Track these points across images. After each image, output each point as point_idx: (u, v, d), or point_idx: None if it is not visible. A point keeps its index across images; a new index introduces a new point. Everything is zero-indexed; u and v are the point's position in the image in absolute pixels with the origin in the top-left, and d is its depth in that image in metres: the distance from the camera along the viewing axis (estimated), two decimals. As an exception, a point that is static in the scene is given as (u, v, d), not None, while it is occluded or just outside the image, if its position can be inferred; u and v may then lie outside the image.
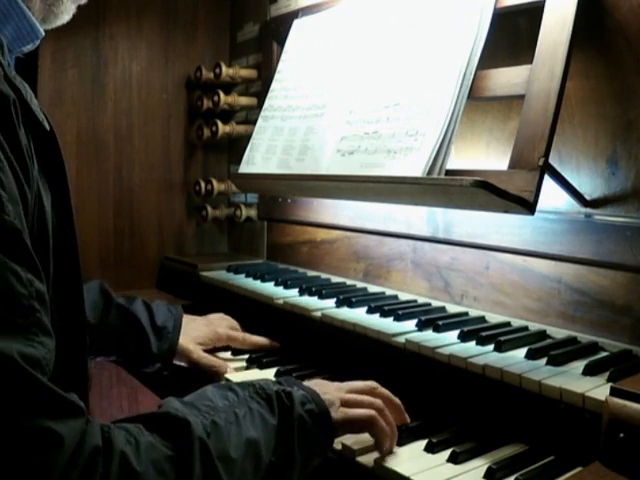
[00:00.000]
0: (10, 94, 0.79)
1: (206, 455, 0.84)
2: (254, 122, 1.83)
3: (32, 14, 0.92)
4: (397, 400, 1.12)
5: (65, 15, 1.00)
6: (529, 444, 1.05)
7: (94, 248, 2.09)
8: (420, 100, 1.32)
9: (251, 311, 1.65)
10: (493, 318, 1.39)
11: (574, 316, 1.27)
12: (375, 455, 1.04)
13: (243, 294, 1.75)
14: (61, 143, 0.93)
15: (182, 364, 1.53)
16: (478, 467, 0.99)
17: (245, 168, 1.77)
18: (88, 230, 2.08)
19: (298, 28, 1.81)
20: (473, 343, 1.23)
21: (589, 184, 1.25)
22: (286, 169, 1.62)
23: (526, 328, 1.31)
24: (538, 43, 1.19)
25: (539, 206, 1.11)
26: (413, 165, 1.26)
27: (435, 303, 1.52)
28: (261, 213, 2.16)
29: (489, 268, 1.43)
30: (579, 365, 1.09)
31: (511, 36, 1.38)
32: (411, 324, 1.35)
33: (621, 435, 0.88)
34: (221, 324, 1.60)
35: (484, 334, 1.23)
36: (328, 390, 1.07)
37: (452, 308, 1.48)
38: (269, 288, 1.72)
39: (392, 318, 1.39)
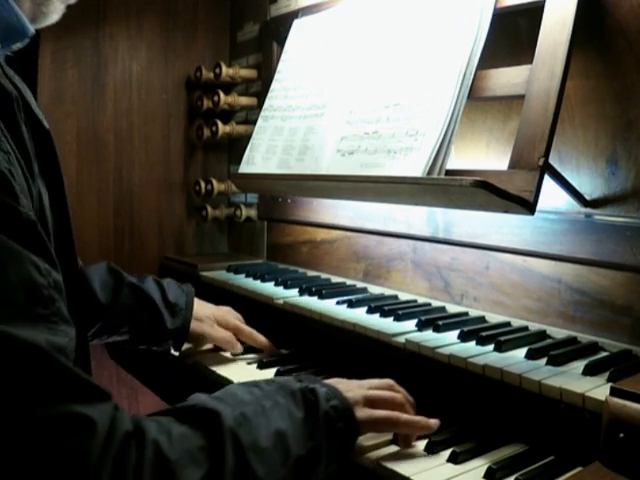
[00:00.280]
0: (12, 90, 0.80)
1: (237, 445, 0.84)
2: (254, 122, 1.83)
3: (22, 13, 0.92)
4: (412, 399, 1.14)
5: (54, 15, 1.00)
6: (529, 444, 1.05)
7: (94, 248, 2.09)
8: (420, 100, 1.32)
9: (251, 311, 1.65)
10: (493, 318, 1.39)
11: (574, 316, 1.27)
12: (375, 455, 1.04)
13: (243, 294, 1.75)
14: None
15: (190, 345, 1.54)
16: (478, 467, 0.99)
17: (245, 168, 1.77)
18: (88, 230, 2.08)
19: (298, 28, 1.81)
20: (473, 343, 1.23)
21: (589, 184, 1.25)
22: (286, 169, 1.62)
23: (526, 328, 1.31)
24: (538, 43, 1.19)
25: (539, 206, 1.11)
26: (413, 165, 1.26)
27: (435, 303, 1.52)
28: (261, 213, 2.16)
29: (489, 268, 1.43)
30: (579, 365, 1.09)
31: (511, 36, 1.38)
32: (411, 324, 1.35)
33: (621, 435, 0.88)
34: (230, 314, 1.61)
35: (484, 334, 1.23)
36: (350, 388, 1.07)
37: (452, 308, 1.48)
38: (269, 288, 1.72)
39: (392, 318, 1.39)
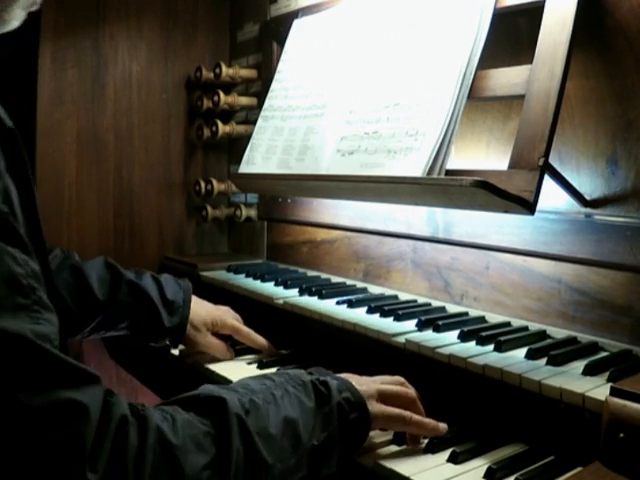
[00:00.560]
0: None
1: (244, 430, 0.84)
2: (254, 122, 1.83)
3: None
4: (419, 396, 1.14)
5: (14, 22, 0.98)
6: (529, 444, 1.05)
7: (94, 248, 2.08)
8: (420, 100, 1.32)
9: (251, 311, 1.65)
10: (493, 318, 1.39)
11: (574, 316, 1.27)
12: (375, 455, 1.04)
13: (243, 294, 1.75)
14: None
15: (182, 346, 1.53)
16: (478, 467, 0.99)
17: (245, 168, 1.77)
18: (88, 230, 2.08)
19: (298, 28, 1.82)
20: (473, 343, 1.23)
21: (589, 184, 1.25)
22: (286, 169, 1.62)
23: (526, 328, 1.31)
24: (538, 43, 1.19)
25: (539, 206, 1.11)
26: (413, 165, 1.26)
27: (435, 303, 1.52)
28: (261, 213, 2.16)
29: (489, 268, 1.43)
30: (579, 365, 1.09)
31: (511, 36, 1.38)
32: (411, 324, 1.35)
33: (621, 435, 0.88)
34: (228, 314, 1.61)
35: (484, 334, 1.23)
36: (363, 382, 1.08)
37: (452, 308, 1.48)
38: (269, 288, 1.72)
39: (392, 318, 1.39)
